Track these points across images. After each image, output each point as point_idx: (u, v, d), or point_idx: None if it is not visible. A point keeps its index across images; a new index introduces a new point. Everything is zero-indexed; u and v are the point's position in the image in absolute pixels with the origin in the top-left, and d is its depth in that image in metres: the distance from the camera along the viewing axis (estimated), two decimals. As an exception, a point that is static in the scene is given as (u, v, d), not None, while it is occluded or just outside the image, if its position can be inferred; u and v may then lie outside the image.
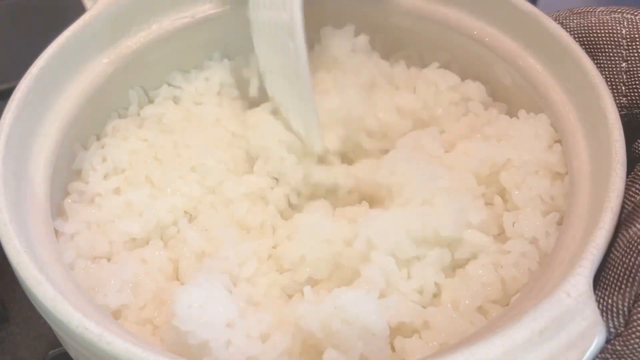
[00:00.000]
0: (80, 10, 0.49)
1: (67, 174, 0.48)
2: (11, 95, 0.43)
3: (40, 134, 0.45)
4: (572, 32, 0.47)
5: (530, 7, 0.48)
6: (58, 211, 0.46)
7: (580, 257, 0.35)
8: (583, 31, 0.47)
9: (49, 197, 0.43)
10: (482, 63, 0.52)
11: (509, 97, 0.52)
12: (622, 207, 0.39)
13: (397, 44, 0.56)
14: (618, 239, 0.38)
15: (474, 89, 0.53)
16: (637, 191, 0.40)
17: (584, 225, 0.39)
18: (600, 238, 0.36)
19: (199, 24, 0.53)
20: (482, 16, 0.51)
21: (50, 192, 0.43)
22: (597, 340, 0.33)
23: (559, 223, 0.42)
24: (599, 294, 0.37)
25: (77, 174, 0.49)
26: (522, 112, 0.50)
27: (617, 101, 0.44)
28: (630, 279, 0.37)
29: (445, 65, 0.54)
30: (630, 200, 0.39)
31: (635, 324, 0.35)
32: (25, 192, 0.42)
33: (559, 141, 0.47)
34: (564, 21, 0.48)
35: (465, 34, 0.52)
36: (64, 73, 0.47)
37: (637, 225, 0.38)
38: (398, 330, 0.41)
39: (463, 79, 0.54)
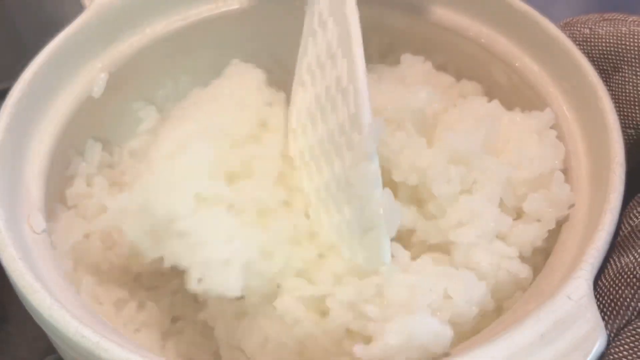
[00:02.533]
0: (78, 9, 0.48)
1: (62, 180, 0.48)
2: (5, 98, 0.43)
3: (34, 139, 0.44)
4: (599, 39, 0.46)
5: (526, 7, 0.48)
6: (54, 218, 0.46)
7: (581, 260, 0.35)
8: (611, 40, 0.46)
9: (44, 203, 0.42)
10: (478, 63, 0.52)
11: (505, 97, 0.52)
12: (619, 228, 0.38)
13: (393, 45, 0.56)
14: (609, 265, 0.38)
15: (470, 89, 0.53)
16: (638, 214, 0.39)
17: (584, 227, 0.39)
18: (600, 240, 0.36)
19: (193, 27, 0.53)
20: (477, 16, 0.51)
21: (46, 198, 0.43)
22: (599, 343, 0.33)
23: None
24: None
25: (72, 180, 0.48)
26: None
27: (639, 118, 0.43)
28: (614, 312, 0.36)
29: (441, 66, 0.54)
30: (628, 223, 0.39)
31: (611, 357, 0.35)
32: (21, 199, 0.41)
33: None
34: (593, 26, 0.47)
35: (461, 34, 0.52)
36: (57, 78, 0.46)
37: (630, 255, 0.37)
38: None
39: (459, 79, 0.53)
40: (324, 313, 0.40)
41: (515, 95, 0.50)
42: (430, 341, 0.36)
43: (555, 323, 0.33)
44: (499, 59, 0.50)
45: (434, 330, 0.36)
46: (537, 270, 0.41)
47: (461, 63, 0.53)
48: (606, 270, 0.38)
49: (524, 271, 0.40)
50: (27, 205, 0.41)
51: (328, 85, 0.41)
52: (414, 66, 0.52)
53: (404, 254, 0.42)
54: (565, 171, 0.44)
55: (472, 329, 0.40)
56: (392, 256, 0.42)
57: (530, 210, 0.42)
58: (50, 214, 0.44)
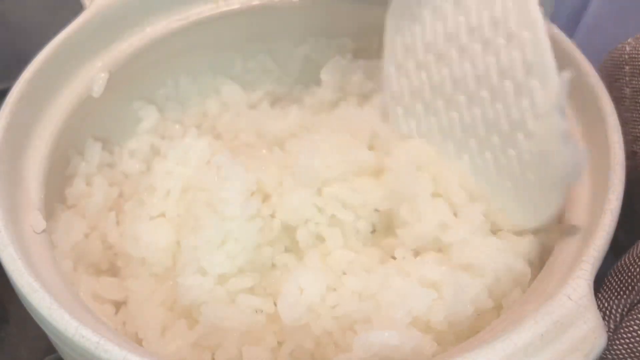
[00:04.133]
0: (79, 9, 0.48)
1: (62, 180, 0.48)
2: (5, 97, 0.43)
3: (34, 138, 0.44)
4: None
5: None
6: (54, 217, 0.46)
7: (581, 260, 0.35)
8: None
9: (43, 203, 0.42)
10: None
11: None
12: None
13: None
14: (636, 246, 0.38)
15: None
16: None
17: (584, 228, 0.39)
18: (600, 240, 0.36)
19: (193, 26, 0.53)
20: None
21: (45, 198, 0.43)
22: (599, 344, 0.33)
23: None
24: (601, 296, 0.37)
25: (72, 180, 0.48)
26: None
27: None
28: (630, 287, 0.37)
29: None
30: None
31: (623, 331, 0.36)
32: (20, 199, 0.41)
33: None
34: None
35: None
36: (57, 77, 0.47)
37: None
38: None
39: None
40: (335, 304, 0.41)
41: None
42: (394, 353, 0.37)
43: (554, 323, 0.33)
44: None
45: (394, 344, 0.37)
46: (536, 269, 0.41)
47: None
48: (632, 250, 0.38)
49: (520, 264, 0.41)
50: (27, 205, 0.41)
51: (475, 25, 0.41)
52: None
53: (405, 255, 0.42)
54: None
55: (471, 329, 0.40)
56: (395, 257, 0.43)
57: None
58: (50, 214, 0.44)
